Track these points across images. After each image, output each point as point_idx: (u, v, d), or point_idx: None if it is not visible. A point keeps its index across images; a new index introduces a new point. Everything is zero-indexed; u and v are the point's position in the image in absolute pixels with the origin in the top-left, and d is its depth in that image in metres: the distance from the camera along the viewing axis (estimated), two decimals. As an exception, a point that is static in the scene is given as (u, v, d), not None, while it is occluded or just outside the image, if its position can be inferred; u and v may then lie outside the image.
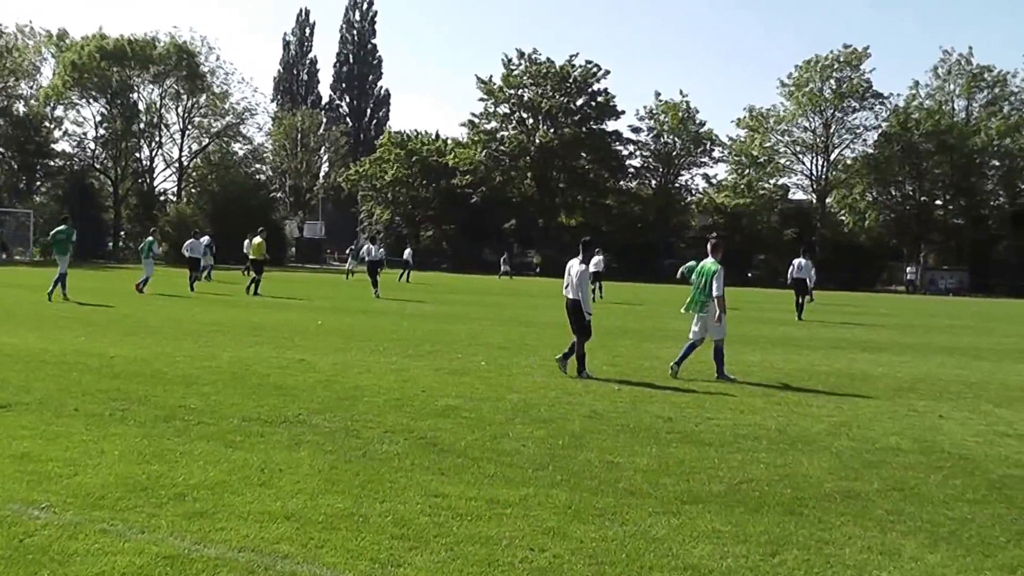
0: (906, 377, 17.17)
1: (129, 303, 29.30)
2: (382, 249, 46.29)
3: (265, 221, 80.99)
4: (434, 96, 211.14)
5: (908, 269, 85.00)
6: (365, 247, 43.50)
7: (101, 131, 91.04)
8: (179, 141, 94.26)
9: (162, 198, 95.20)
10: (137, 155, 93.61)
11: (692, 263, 17.49)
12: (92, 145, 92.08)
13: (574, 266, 16.13)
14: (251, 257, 39.83)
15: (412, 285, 51.91)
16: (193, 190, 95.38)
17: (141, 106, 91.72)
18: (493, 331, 23.70)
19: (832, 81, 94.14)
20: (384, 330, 22.69)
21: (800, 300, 34.46)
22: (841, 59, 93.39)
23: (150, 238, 37.74)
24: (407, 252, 59.21)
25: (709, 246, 17.36)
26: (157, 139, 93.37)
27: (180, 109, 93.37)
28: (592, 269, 51.72)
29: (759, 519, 7.54)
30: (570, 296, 16.15)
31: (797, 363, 18.87)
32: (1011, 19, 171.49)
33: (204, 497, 7.43)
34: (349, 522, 6.97)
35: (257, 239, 39.15)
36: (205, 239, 47.11)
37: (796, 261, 35.31)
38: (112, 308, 26.94)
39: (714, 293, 16.28)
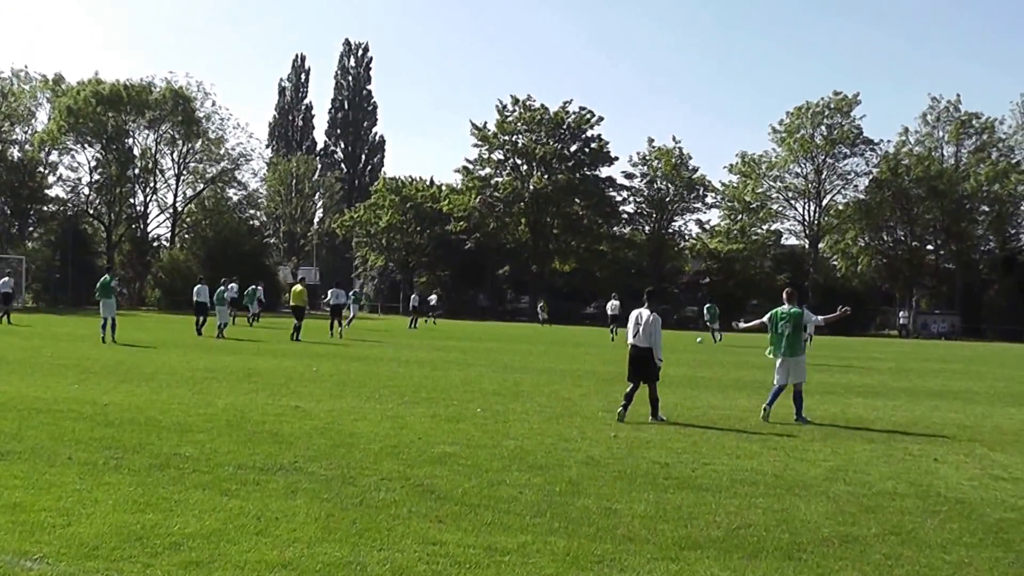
0: (901, 421, 17.16)
1: (122, 350, 29.24)
2: (352, 292, 49.81)
3: (259, 267, 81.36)
4: (429, 142, 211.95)
5: (901, 313, 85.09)
6: (331, 292, 44.90)
7: (96, 176, 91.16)
8: (174, 186, 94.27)
9: (156, 244, 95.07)
10: (131, 200, 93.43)
11: (775, 311, 17.71)
12: (86, 190, 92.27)
13: (643, 315, 16.64)
14: (292, 304, 42.93)
15: (407, 331, 51.81)
16: (187, 236, 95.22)
17: (136, 151, 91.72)
18: (488, 377, 23.65)
19: (823, 127, 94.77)
20: (379, 377, 22.65)
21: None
22: (832, 105, 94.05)
23: (107, 276, 37.68)
24: (433, 297, 59.28)
25: (784, 294, 18.19)
26: (152, 184, 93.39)
27: (175, 154, 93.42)
28: (609, 312, 53.60)
29: (757, 564, 7.50)
30: (640, 344, 16.49)
31: (792, 408, 18.81)
32: (997, 67, 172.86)
33: (200, 546, 7.37)
34: (346, 571, 6.92)
35: (297, 287, 42.90)
36: (233, 286, 49.28)
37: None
38: (106, 354, 26.88)
39: (818, 322, 18.24)
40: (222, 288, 41.52)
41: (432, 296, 61.65)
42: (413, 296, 61.31)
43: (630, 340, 16.74)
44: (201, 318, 40.92)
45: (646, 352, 16.41)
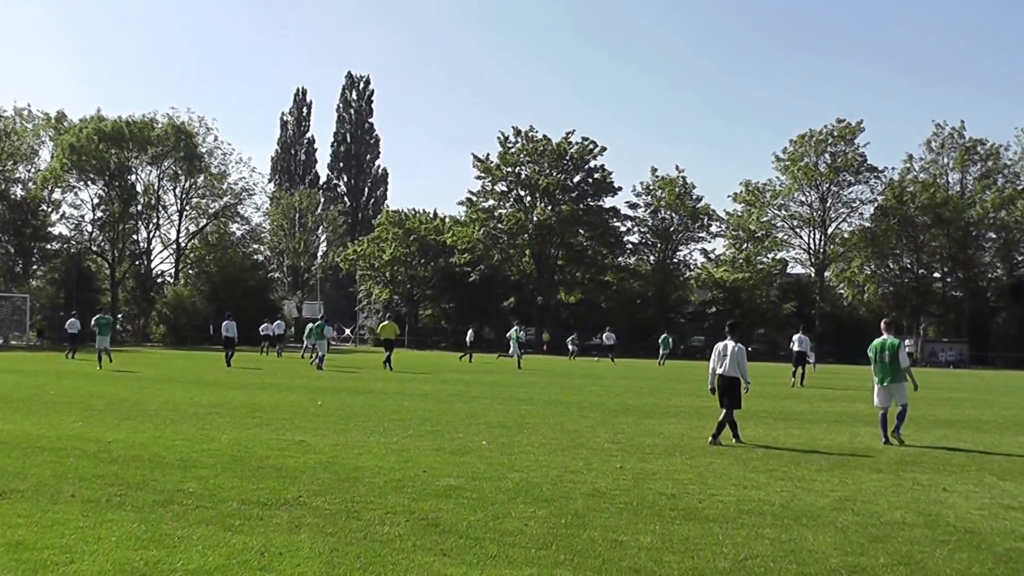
0: (909, 451, 17.11)
1: (126, 387, 29.25)
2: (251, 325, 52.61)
3: (263, 302, 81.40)
4: (431, 174, 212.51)
5: (907, 342, 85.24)
6: (224, 324, 46.94)
7: (99, 213, 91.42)
8: (177, 222, 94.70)
9: (159, 280, 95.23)
10: (134, 237, 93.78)
11: (874, 343, 19.40)
12: (89, 227, 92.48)
13: (728, 346, 18.14)
14: (383, 337, 48.56)
15: (411, 364, 51.76)
16: (190, 271, 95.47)
17: (139, 187, 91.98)
18: (493, 409, 23.61)
19: (827, 155, 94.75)
20: (384, 410, 22.61)
21: (800, 370, 39.07)
22: (835, 133, 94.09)
23: (105, 316, 44.97)
24: (469, 334, 59.50)
25: (883, 325, 19.87)
26: (155, 220, 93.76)
27: (178, 190, 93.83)
28: (606, 342, 57.08)
29: (765, 597, 7.49)
30: (728, 373, 17.97)
31: (799, 437, 18.81)
32: (1002, 92, 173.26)
33: (204, 582, 7.37)
34: (351, 606, 6.90)
35: (387, 322, 50.26)
36: (279, 322, 59.18)
37: (796, 336, 40.41)
38: (110, 391, 26.88)
39: (902, 365, 18.86)
40: (316, 324, 47.65)
41: (469, 332, 62.10)
42: (470, 332, 62.79)
43: (718, 370, 18.14)
44: (230, 352, 44.05)
45: (734, 381, 18.02)
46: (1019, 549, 9.43)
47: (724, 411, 17.92)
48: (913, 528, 10.21)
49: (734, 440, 17.75)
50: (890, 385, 18.78)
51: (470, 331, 58.75)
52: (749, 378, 18.22)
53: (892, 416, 18.67)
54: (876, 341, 19.37)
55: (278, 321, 47.88)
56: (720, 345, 18.42)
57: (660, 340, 59.75)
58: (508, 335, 56.01)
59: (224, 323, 45.81)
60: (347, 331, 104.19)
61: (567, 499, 11.27)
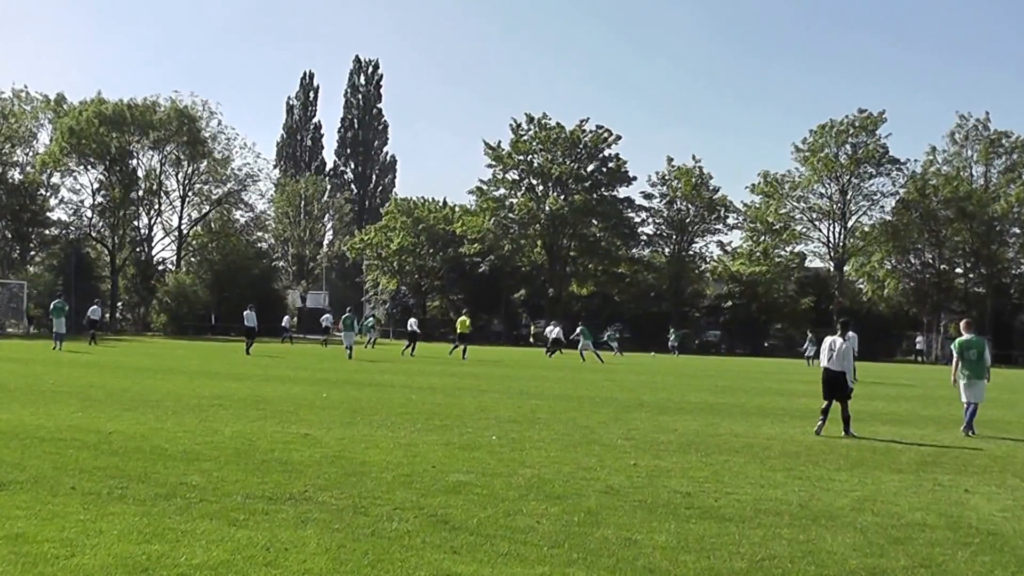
0: (930, 451, 17.11)
1: (127, 377, 29.31)
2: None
3: (266, 291, 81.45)
4: (441, 162, 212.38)
5: (918, 339, 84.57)
6: (92, 309, 54.05)
7: (99, 199, 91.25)
8: (179, 208, 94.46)
9: (160, 267, 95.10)
10: (135, 223, 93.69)
11: (958, 341, 21.36)
12: (89, 213, 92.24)
13: (836, 342, 19.56)
14: (459, 332, 53.94)
15: (419, 356, 51.82)
16: (192, 259, 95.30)
17: (140, 173, 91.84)
18: (503, 404, 23.63)
19: (848, 146, 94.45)
20: (391, 403, 22.64)
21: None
22: (856, 124, 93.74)
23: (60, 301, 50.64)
24: (411, 322, 59.43)
25: (963, 325, 22.01)
26: (156, 207, 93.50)
27: (180, 175, 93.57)
28: (551, 336, 59.15)
29: (783, 598, 7.50)
30: (834, 368, 19.38)
31: (817, 436, 18.79)
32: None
33: (208, 577, 7.39)
34: (358, 603, 6.92)
35: (463, 317, 54.68)
36: (328, 316, 68.52)
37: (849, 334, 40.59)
38: (110, 381, 26.94)
39: (987, 363, 21.06)
40: (347, 316, 51.10)
41: (411, 320, 62.20)
42: (554, 328, 63.43)
43: (824, 364, 19.63)
44: (250, 341, 47.59)
45: (839, 375, 19.33)
46: (1043, 553, 9.43)
47: (839, 404, 19.27)
48: (934, 530, 10.21)
49: (843, 434, 18.91)
50: (975, 381, 20.71)
51: (411, 320, 58.71)
52: (856, 376, 20.28)
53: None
54: (962, 339, 21.20)
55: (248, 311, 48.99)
56: (829, 340, 19.85)
57: (579, 331, 60.43)
58: (577, 333, 58.01)
59: (246, 312, 49.07)
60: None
61: (580, 496, 11.28)
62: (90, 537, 8.54)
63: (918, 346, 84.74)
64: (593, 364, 50.62)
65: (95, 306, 59.11)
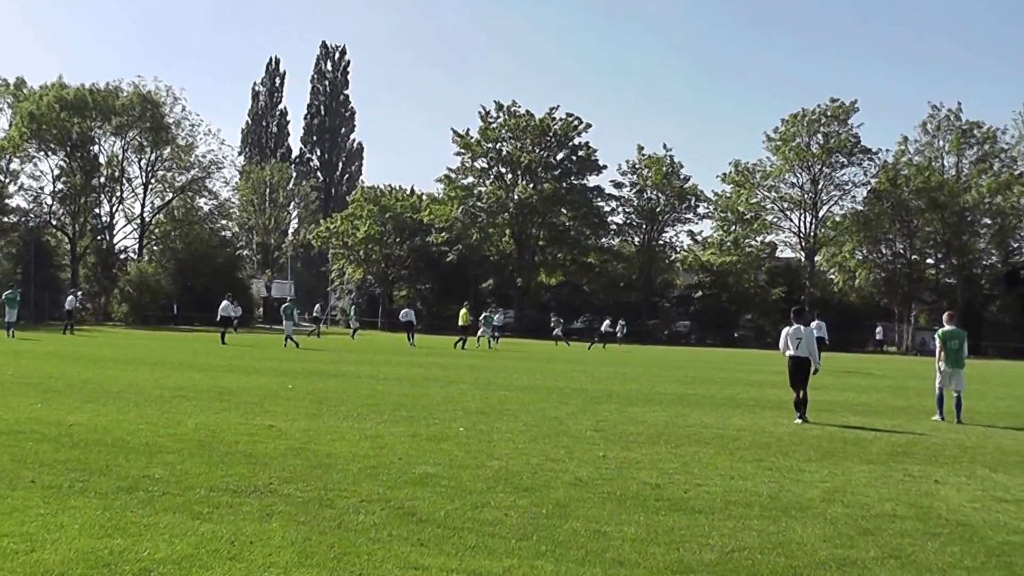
0: (900, 441, 17.21)
1: (88, 368, 29.16)
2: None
3: (231, 280, 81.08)
4: (409, 150, 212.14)
5: (877, 328, 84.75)
6: (68, 299, 55.32)
7: (59, 185, 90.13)
8: (141, 196, 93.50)
9: (122, 256, 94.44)
10: (97, 211, 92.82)
11: (942, 332, 22.46)
12: (49, 200, 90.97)
13: (801, 330, 20.65)
14: (460, 324, 55.33)
15: (385, 347, 51.73)
16: (155, 248, 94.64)
17: (102, 159, 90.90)
18: (471, 395, 23.62)
19: (819, 136, 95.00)
20: (358, 395, 22.60)
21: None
22: (828, 113, 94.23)
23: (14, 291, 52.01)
24: (316, 308, 59.30)
25: (945, 317, 23.16)
26: (118, 194, 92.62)
27: (143, 162, 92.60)
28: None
29: (752, 590, 7.54)
30: (800, 354, 20.44)
31: (788, 427, 18.90)
32: (999, 75, 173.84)
33: (170, 572, 7.37)
34: (324, 596, 6.92)
35: (463, 311, 55.92)
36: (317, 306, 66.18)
37: (814, 323, 41.07)
38: (71, 372, 26.80)
39: (965, 354, 22.14)
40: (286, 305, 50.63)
41: (404, 311, 62.49)
42: (607, 323, 64.10)
43: (791, 352, 20.56)
44: (225, 330, 48.89)
45: (806, 361, 20.45)
46: (1011, 542, 9.51)
47: (801, 391, 20.23)
48: (904, 520, 10.29)
49: (796, 419, 19.97)
50: (956, 370, 21.84)
51: (317, 305, 58.90)
52: (819, 361, 21.03)
53: (949, 396, 21.75)
54: (945, 330, 22.32)
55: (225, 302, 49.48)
56: (792, 328, 20.73)
57: (483, 318, 61.87)
58: (482, 317, 57.73)
59: (223, 303, 50.66)
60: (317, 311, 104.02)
61: (548, 488, 11.31)
62: (50, 532, 8.49)
63: (878, 336, 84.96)
64: (483, 351, 51.16)
65: (71, 296, 60.16)
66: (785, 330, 20.99)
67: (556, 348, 61.43)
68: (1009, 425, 21.35)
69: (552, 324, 72.78)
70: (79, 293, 68.20)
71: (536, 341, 66.97)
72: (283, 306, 51.15)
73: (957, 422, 20.91)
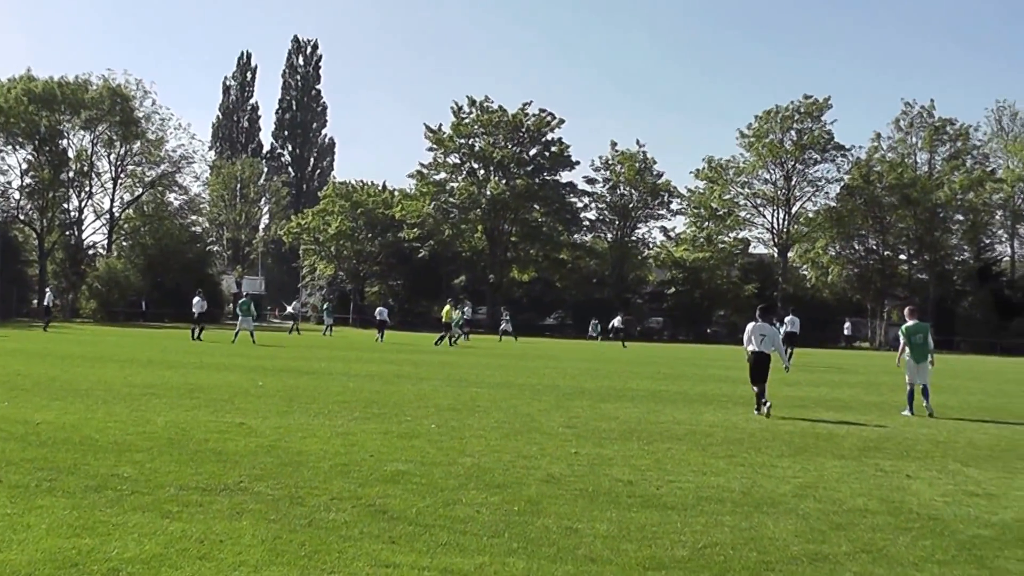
0: (872, 437, 17.28)
1: (56, 365, 29.01)
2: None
3: (201, 276, 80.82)
4: (381, 145, 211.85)
5: (846, 324, 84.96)
6: (48, 295, 56.90)
7: (27, 180, 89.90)
8: (111, 191, 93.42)
9: (91, 251, 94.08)
10: (65, 205, 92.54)
11: (905, 327, 22.99)
12: (16, 195, 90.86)
13: (765, 327, 21.25)
14: (443, 321, 55.03)
15: (357, 343, 51.66)
16: (124, 243, 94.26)
17: (71, 153, 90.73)
18: (443, 392, 23.60)
19: (793, 132, 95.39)
20: (329, 392, 22.56)
21: (790, 351, 42.63)
22: (802, 110, 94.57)
23: None
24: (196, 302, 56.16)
25: (907, 312, 23.87)
26: (87, 188, 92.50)
27: (112, 156, 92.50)
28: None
29: (724, 586, 7.56)
30: (765, 350, 20.96)
31: (760, 423, 18.94)
32: (972, 72, 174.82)
33: (139, 572, 7.33)
34: (295, 595, 6.90)
35: (447, 307, 55.40)
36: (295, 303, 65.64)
37: (788, 319, 45.77)
38: (38, 369, 26.66)
39: (930, 346, 22.58)
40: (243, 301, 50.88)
41: (380, 309, 62.26)
42: (196, 300, 59.00)
43: (756, 348, 20.97)
44: (197, 327, 48.49)
45: (769, 357, 21.03)
46: (983, 536, 9.56)
47: (758, 387, 20.76)
48: (875, 515, 10.33)
49: (755, 411, 20.62)
50: (921, 364, 22.19)
51: (196, 298, 54.06)
52: (788, 362, 21.96)
53: (918, 391, 21.94)
54: (908, 325, 22.81)
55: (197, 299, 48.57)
56: (756, 325, 21.15)
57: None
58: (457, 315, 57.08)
59: (196, 300, 49.92)
60: (289, 308, 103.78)
61: (520, 485, 11.31)
62: (17, 532, 8.44)
63: (846, 331, 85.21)
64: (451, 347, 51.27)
65: (49, 292, 61.50)
66: (750, 325, 21.35)
67: (501, 343, 61.27)
68: (980, 419, 21.47)
69: (501, 319, 73.06)
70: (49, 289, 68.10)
71: (508, 337, 66.87)
72: (240, 301, 51.31)
73: (928, 415, 21.21)
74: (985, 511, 10.80)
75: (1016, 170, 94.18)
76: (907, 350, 22.50)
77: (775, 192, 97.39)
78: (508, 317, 72.31)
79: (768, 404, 20.29)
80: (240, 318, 49.07)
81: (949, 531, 9.73)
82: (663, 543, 8.78)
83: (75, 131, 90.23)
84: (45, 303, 59.07)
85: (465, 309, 60.49)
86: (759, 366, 20.91)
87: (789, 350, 44.28)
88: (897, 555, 8.67)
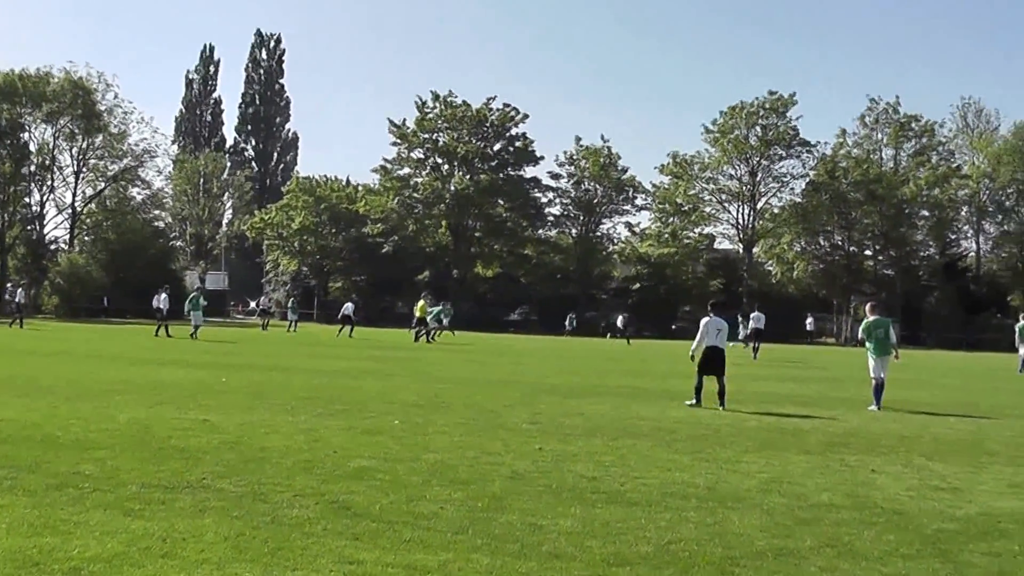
0: (838, 432, 17.38)
1: (17, 362, 28.85)
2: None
3: (164, 271, 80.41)
4: (345, 140, 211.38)
5: (808, 320, 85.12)
6: (18, 292, 56.93)
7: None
8: (73, 185, 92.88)
9: (53, 247, 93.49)
10: (26, 200, 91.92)
11: (867, 322, 23.51)
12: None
13: (721, 322, 21.69)
14: (418, 316, 54.78)
15: (321, 340, 51.55)
16: (87, 238, 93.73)
17: (32, 147, 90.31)
18: (407, 388, 23.61)
19: (758, 128, 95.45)
20: (293, 388, 22.52)
21: (756, 345, 46.97)
22: (767, 105, 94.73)
23: None
24: (162, 299, 54.90)
25: (868, 308, 24.53)
26: (49, 183, 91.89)
27: (74, 150, 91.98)
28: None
29: (689, 581, 7.58)
30: (720, 345, 21.48)
31: (725, 418, 19.00)
32: (937, 69, 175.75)
33: (101, 571, 7.28)
34: (258, 592, 6.88)
35: (421, 302, 55.39)
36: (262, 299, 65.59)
37: (753, 314, 48.43)
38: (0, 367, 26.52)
39: (891, 341, 23.07)
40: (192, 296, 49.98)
41: (347, 305, 62.09)
42: (162, 297, 56.93)
43: (711, 343, 21.41)
44: (164, 323, 48.33)
45: (723, 352, 21.53)
46: (947, 530, 9.61)
47: (717, 379, 21.21)
48: (841, 510, 10.37)
49: (719, 406, 20.72)
50: (884, 358, 22.65)
51: (164, 295, 52.35)
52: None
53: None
54: (868, 321, 23.29)
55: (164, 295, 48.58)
56: (713, 320, 21.60)
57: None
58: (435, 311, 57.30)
59: (162, 296, 50.10)
60: (252, 304, 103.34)
61: (484, 482, 11.30)
62: (-23, 530, 8.38)
63: (808, 327, 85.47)
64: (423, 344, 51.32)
65: (20, 289, 62.43)
66: (704, 320, 21.73)
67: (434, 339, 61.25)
68: (946, 414, 21.63)
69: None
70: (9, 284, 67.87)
71: (473, 333, 66.86)
72: (190, 296, 50.48)
73: (876, 408, 21.76)
74: (950, 505, 10.86)
75: (981, 166, 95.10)
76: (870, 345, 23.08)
77: (740, 188, 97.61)
78: (451, 312, 72.62)
79: (695, 403, 21.08)
80: (191, 313, 48.40)
81: (914, 525, 9.77)
82: (627, 539, 8.78)
83: (36, 124, 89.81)
84: (16, 300, 58.90)
85: (447, 306, 59.83)
86: (715, 360, 21.41)
87: (757, 345, 46.80)
88: (862, 549, 8.71)
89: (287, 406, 18.41)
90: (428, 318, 54.88)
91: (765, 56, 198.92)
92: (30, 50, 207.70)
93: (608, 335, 71.77)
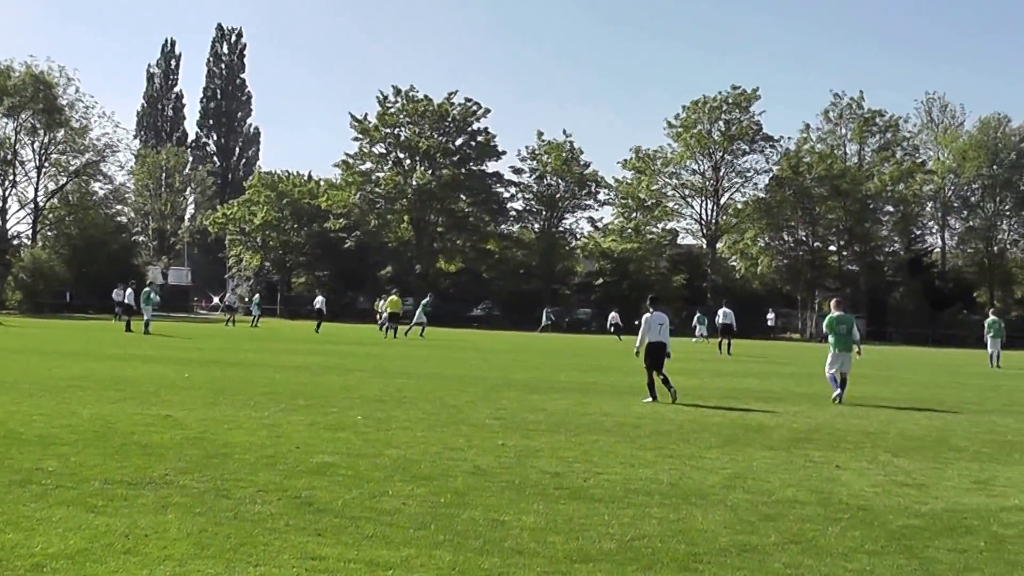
0: (802, 427, 17.44)
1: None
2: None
3: (127, 266, 79.99)
4: (307, 135, 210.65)
5: (769, 315, 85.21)
6: (128, 292, 53.24)
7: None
8: (35, 180, 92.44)
9: (15, 242, 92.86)
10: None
11: (830, 318, 24.00)
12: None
13: (663, 317, 22.19)
14: (389, 311, 54.73)
15: (284, 335, 51.41)
16: (49, 233, 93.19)
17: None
18: (370, 383, 23.58)
19: (721, 123, 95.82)
20: (255, 383, 22.46)
21: (727, 341, 47.66)
22: (730, 100, 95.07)
23: None
24: (127, 293, 54.15)
25: (833, 303, 24.81)
26: (11, 177, 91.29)
27: (36, 145, 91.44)
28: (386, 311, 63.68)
29: (653, 577, 7.59)
30: (665, 340, 21.78)
31: (689, 414, 19.05)
32: (901, 63, 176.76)
33: (64, 567, 7.24)
34: (221, 589, 6.86)
35: (393, 297, 55.96)
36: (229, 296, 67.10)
37: (722, 311, 48.91)
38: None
39: (855, 337, 23.50)
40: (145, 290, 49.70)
41: (318, 299, 62.25)
42: (128, 292, 54.26)
43: (656, 339, 21.67)
44: (127, 318, 49.17)
45: (664, 346, 21.75)
46: (912, 526, 9.66)
47: (658, 374, 21.44)
48: (805, 506, 10.42)
49: (645, 399, 21.19)
50: (844, 354, 23.13)
51: (125, 290, 53.20)
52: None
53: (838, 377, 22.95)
54: (832, 316, 23.74)
55: (129, 290, 48.96)
56: (656, 315, 21.88)
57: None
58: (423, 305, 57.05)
59: (128, 291, 51.57)
60: (216, 299, 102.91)
61: (447, 477, 11.30)
62: (-62, 526, 8.32)
63: (769, 322, 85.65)
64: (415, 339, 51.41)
65: None
66: (646, 316, 21.98)
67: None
68: (912, 408, 21.78)
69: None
70: None
71: (436, 329, 66.77)
72: (143, 290, 49.95)
73: (838, 401, 22.26)
74: (915, 501, 10.92)
75: (946, 161, 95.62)
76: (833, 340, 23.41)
77: (703, 183, 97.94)
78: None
79: (650, 400, 21.19)
80: (143, 307, 48.29)
81: (879, 521, 9.82)
82: (590, 535, 8.79)
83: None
84: None
85: (425, 300, 59.10)
86: (658, 355, 21.67)
87: (727, 341, 47.25)
88: (826, 545, 8.74)
89: (250, 401, 18.37)
90: (418, 311, 55.26)
91: (729, 51, 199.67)
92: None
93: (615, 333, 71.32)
